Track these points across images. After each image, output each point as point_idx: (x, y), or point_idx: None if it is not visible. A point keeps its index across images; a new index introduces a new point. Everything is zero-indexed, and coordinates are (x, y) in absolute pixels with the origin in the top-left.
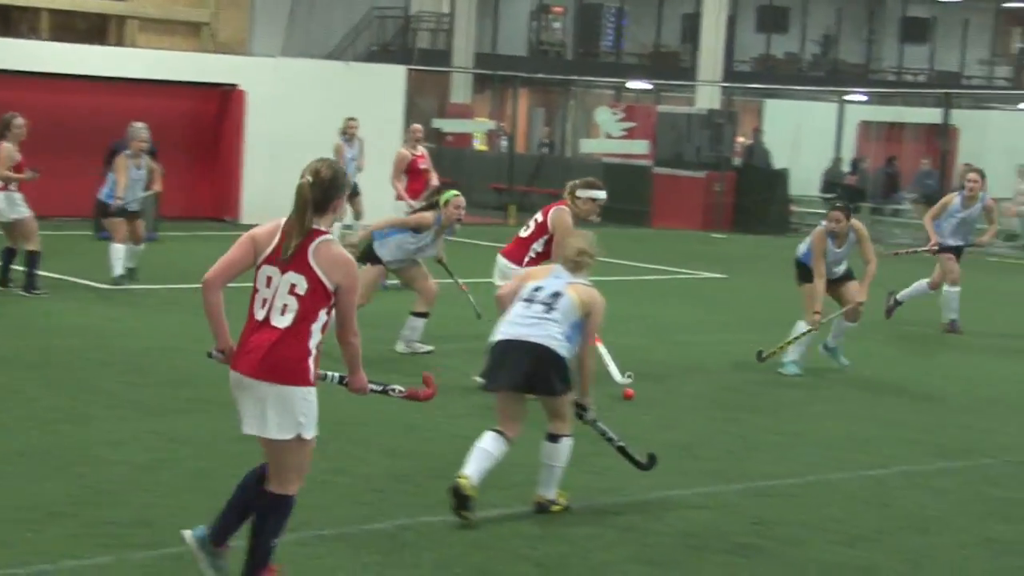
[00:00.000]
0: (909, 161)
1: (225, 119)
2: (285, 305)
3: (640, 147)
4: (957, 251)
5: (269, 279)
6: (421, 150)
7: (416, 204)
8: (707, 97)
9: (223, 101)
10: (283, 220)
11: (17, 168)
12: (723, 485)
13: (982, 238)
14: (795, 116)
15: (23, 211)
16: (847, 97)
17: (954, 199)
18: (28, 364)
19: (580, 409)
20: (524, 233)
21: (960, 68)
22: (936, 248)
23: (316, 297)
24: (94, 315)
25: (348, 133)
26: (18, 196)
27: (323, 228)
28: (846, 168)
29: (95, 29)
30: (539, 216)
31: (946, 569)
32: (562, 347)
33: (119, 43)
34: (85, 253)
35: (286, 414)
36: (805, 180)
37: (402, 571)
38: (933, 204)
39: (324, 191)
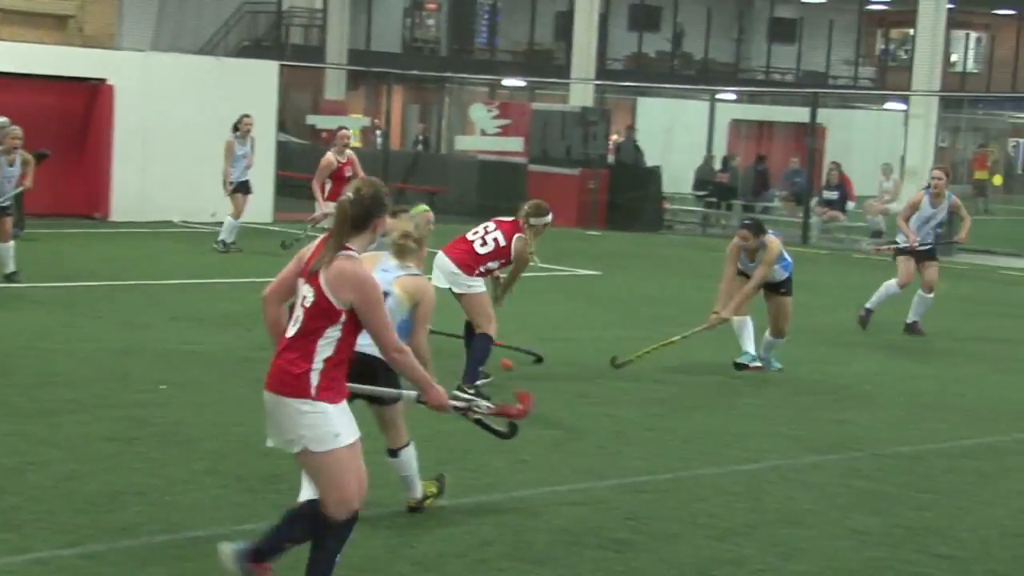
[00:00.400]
0: (778, 159)
1: (93, 114)
2: (297, 317)
3: (514, 144)
4: (930, 253)
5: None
6: (348, 155)
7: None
8: (580, 95)
9: (91, 96)
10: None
11: None
12: (596, 481)
13: (960, 235)
14: (667, 114)
15: None
16: (718, 96)
17: (923, 198)
18: None
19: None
20: (480, 248)
21: (826, 68)
22: (916, 245)
23: (318, 312)
24: None
25: (242, 130)
26: None
27: (353, 246)
28: (718, 166)
29: None
30: (500, 237)
31: (816, 561)
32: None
33: None
34: None
35: (288, 427)
36: (678, 178)
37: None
38: (802, 201)
39: (364, 209)
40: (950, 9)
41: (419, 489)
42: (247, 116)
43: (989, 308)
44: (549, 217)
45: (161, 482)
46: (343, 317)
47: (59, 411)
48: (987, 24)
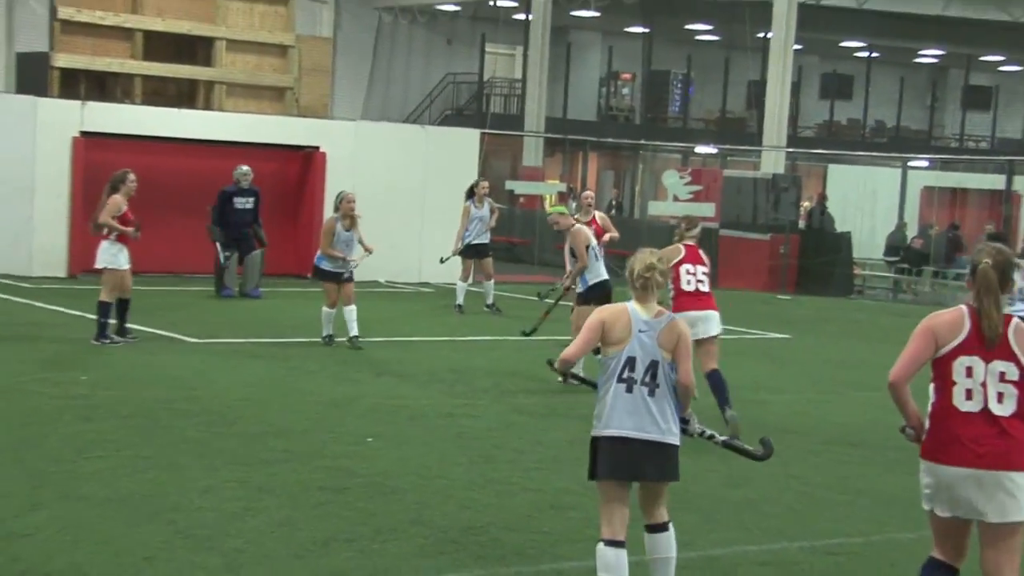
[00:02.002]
0: (971, 226)
1: (307, 179)
2: (1000, 394)
3: (706, 209)
4: None
5: (970, 369)
6: (592, 215)
7: None
8: (772, 162)
9: (306, 162)
10: (963, 307)
11: (123, 221)
12: (787, 542)
13: None
14: (858, 181)
15: (124, 263)
16: (910, 163)
17: None
18: (120, 415)
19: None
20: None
21: (1022, 135)
22: None
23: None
24: (184, 367)
25: (478, 194)
26: (120, 247)
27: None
28: (911, 232)
29: (185, 94)
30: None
31: None
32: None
33: (208, 107)
34: (175, 308)
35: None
36: (869, 243)
37: None
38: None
39: (1003, 272)
40: None
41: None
42: (483, 181)
43: None
44: (699, 228)
45: (369, 530)
46: None
47: (275, 460)
48: None
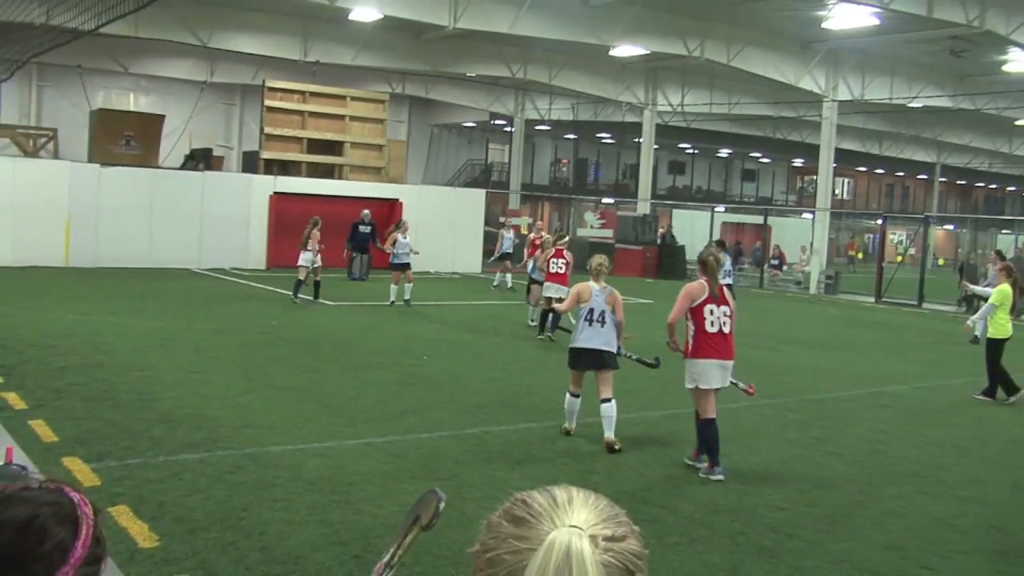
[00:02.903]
0: (748, 242)
1: (393, 216)
2: (725, 322)
3: (608, 232)
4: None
5: (711, 311)
6: (536, 235)
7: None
8: (643, 207)
9: (392, 207)
10: (702, 281)
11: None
12: (650, 412)
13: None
14: (688, 218)
15: (307, 262)
16: (716, 209)
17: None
18: (293, 343)
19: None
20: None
21: (771, 195)
22: None
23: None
24: (328, 317)
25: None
26: (309, 255)
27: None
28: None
29: (327, 170)
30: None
31: (769, 455)
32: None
33: (341, 178)
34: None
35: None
36: (694, 251)
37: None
38: (760, 265)
39: (717, 260)
40: (834, 167)
41: (613, 433)
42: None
43: (856, 323)
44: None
45: (425, 405)
46: None
47: (374, 367)
48: (853, 174)
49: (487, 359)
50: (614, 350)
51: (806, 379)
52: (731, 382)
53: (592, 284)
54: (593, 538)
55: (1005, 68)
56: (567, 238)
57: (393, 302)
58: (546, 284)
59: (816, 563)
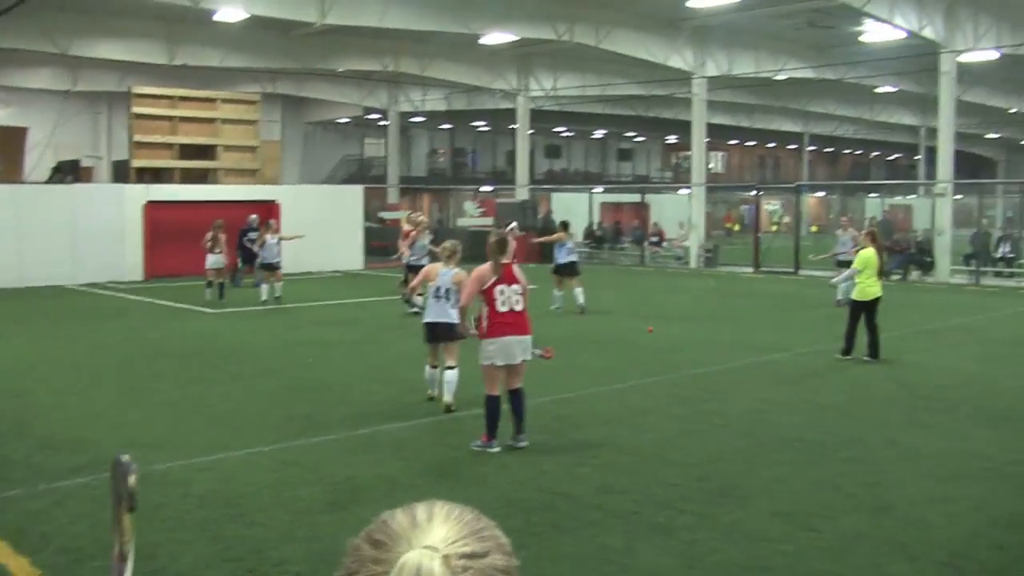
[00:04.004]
0: (626, 221)
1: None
2: (518, 300)
3: (488, 220)
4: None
5: (502, 291)
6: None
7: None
8: (522, 193)
9: (268, 209)
10: (490, 263)
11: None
12: (540, 399)
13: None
14: (567, 200)
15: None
16: (593, 190)
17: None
18: (172, 354)
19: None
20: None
21: (647, 173)
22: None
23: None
24: (206, 325)
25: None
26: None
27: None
28: (595, 227)
29: (201, 176)
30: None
31: (659, 431)
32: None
33: (216, 182)
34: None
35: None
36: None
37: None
38: (639, 243)
39: (506, 241)
40: (707, 140)
41: (452, 397)
42: (422, 217)
43: (736, 294)
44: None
45: (311, 409)
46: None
47: (259, 374)
48: (726, 148)
49: (374, 357)
50: (453, 320)
51: (690, 353)
52: (532, 353)
53: (441, 266)
54: (447, 558)
55: (861, 39)
56: (510, 227)
57: (265, 301)
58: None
59: (708, 535)
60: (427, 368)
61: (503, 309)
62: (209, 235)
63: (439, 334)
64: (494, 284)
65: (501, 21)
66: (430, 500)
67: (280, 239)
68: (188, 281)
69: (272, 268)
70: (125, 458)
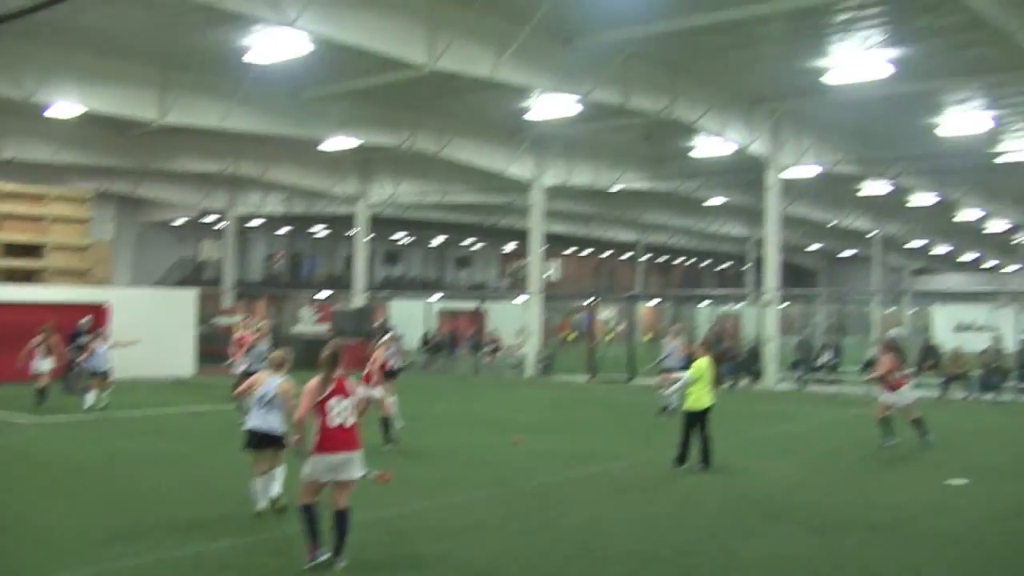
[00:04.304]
0: (463, 329)
1: (97, 321)
2: (348, 415)
3: (324, 328)
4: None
5: (337, 402)
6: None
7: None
8: (359, 299)
9: (98, 312)
10: (320, 376)
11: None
12: (373, 513)
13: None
14: (404, 309)
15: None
16: (429, 299)
17: (667, 340)
18: None
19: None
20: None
21: (485, 281)
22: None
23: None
24: (19, 436)
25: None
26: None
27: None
28: (430, 335)
29: (26, 275)
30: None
31: (492, 548)
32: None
33: (42, 283)
34: (23, 398)
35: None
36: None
37: None
38: (476, 351)
39: (339, 353)
40: (545, 249)
41: (280, 487)
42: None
43: (571, 403)
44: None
45: (134, 528)
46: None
47: (76, 487)
48: (561, 258)
49: (203, 470)
50: (276, 431)
51: (525, 464)
52: (363, 474)
53: (269, 374)
54: None
55: (692, 154)
56: (389, 335)
57: (91, 407)
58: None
59: None
60: (254, 480)
61: (335, 423)
62: (38, 338)
63: (261, 441)
64: (327, 397)
65: (343, 126)
66: None
67: (112, 345)
68: (6, 386)
69: (102, 376)
70: None
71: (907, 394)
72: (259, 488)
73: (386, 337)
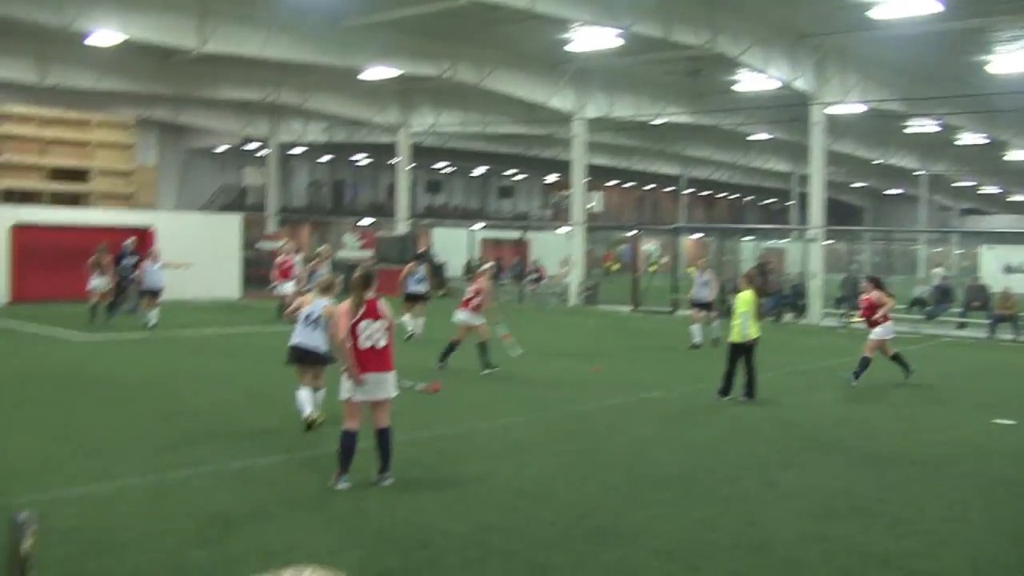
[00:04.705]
0: (506, 258)
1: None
2: (379, 338)
3: (368, 253)
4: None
5: (367, 326)
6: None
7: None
8: (403, 226)
9: (143, 235)
10: (349, 300)
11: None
12: (420, 433)
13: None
14: (447, 236)
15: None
16: (472, 227)
17: (693, 272)
18: (40, 381)
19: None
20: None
21: (528, 210)
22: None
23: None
24: (74, 352)
25: (323, 256)
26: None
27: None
28: (474, 263)
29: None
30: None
31: (543, 469)
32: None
33: (88, 206)
34: (76, 317)
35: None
36: (456, 268)
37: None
38: (519, 279)
39: (371, 276)
40: (587, 180)
41: (315, 412)
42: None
43: (615, 332)
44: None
45: (184, 440)
46: None
47: (129, 401)
48: (605, 190)
49: (249, 389)
50: (319, 349)
51: (570, 391)
52: (406, 386)
53: (319, 296)
54: None
55: (736, 88)
56: (485, 267)
57: (155, 326)
58: (464, 313)
59: (588, 575)
60: (299, 391)
61: (366, 345)
62: (93, 258)
63: (302, 357)
64: (358, 320)
65: (384, 56)
66: (301, 565)
67: (163, 265)
68: (56, 306)
69: (152, 294)
70: (23, 515)
71: (891, 329)
72: (304, 398)
73: (487, 266)
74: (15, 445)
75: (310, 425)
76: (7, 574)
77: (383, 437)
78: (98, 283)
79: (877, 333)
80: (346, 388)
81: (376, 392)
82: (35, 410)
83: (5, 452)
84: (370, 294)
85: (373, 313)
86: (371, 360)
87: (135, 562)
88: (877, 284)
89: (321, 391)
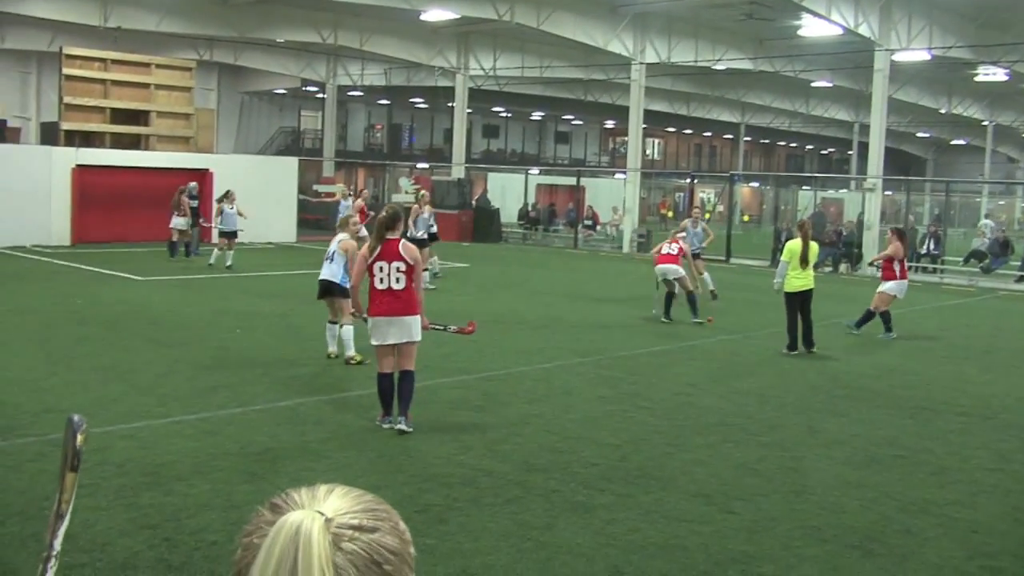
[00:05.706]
0: (561, 204)
1: (206, 187)
2: (397, 279)
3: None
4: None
5: (381, 267)
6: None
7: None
8: (458, 171)
9: (203, 178)
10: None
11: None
12: (467, 376)
13: (703, 244)
14: (502, 182)
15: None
16: (529, 171)
17: (687, 224)
18: (98, 321)
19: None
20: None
21: (584, 156)
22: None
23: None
24: (136, 293)
25: (422, 202)
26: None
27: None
28: (530, 208)
29: (133, 141)
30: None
31: (581, 411)
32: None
33: (148, 148)
34: (130, 260)
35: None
36: (509, 213)
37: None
38: (573, 226)
39: (398, 215)
40: (645, 127)
41: (352, 352)
42: (424, 192)
43: None
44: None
45: (236, 380)
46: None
47: (184, 343)
48: (663, 135)
49: (300, 330)
50: (338, 281)
51: (618, 336)
52: (439, 327)
53: (340, 233)
54: (329, 522)
55: (799, 33)
56: (686, 223)
57: (212, 264)
58: (665, 267)
59: (627, 515)
60: (327, 326)
61: (381, 287)
62: (175, 198)
63: (324, 290)
64: (375, 260)
65: None
66: (339, 484)
67: (237, 209)
68: (116, 247)
69: (231, 235)
70: (77, 417)
71: (905, 285)
72: (329, 336)
73: (687, 221)
74: (74, 380)
75: (348, 362)
76: (63, 462)
77: (402, 381)
78: (178, 221)
79: (889, 287)
80: (369, 331)
81: (393, 335)
82: (93, 348)
83: (63, 387)
84: (393, 235)
85: (389, 254)
86: (386, 302)
87: (185, 494)
88: (900, 235)
89: (348, 327)
